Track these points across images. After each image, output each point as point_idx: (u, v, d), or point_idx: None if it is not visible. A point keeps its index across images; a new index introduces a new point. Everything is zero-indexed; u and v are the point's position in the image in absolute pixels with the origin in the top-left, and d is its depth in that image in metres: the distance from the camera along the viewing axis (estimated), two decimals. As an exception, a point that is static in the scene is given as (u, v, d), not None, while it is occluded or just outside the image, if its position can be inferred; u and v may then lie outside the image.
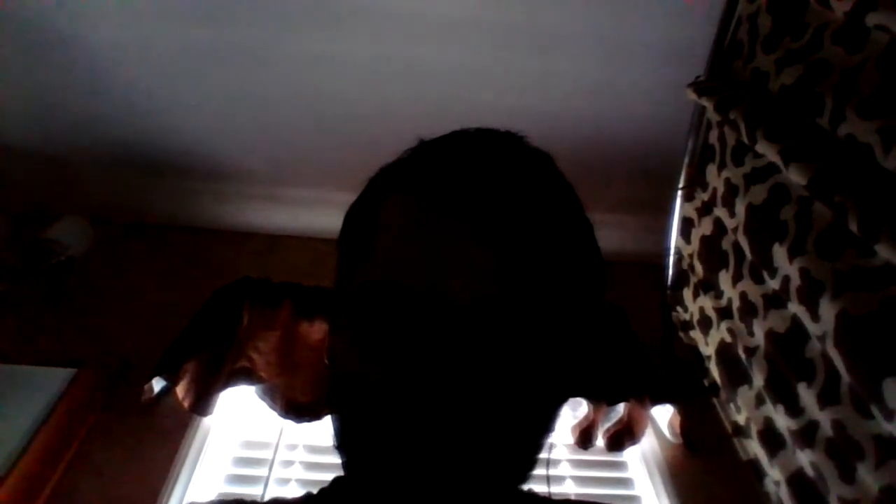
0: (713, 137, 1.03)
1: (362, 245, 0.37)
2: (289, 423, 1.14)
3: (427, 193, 0.34)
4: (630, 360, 1.24)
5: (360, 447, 0.35)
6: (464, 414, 0.31)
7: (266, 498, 1.03)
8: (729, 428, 1.02)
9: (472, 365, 0.31)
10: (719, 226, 0.99)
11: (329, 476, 0.45)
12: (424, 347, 0.31)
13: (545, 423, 0.37)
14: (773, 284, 0.80)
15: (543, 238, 0.34)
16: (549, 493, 0.42)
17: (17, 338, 1.20)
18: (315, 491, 0.45)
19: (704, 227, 1.05)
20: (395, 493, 0.33)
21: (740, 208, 0.89)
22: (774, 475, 0.86)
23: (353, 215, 0.42)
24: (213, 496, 1.04)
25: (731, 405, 0.99)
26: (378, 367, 0.33)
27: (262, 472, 1.10)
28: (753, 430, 0.91)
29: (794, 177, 0.72)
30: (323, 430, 1.16)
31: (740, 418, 0.97)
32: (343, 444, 0.37)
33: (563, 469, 1.18)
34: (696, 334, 1.12)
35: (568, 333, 0.35)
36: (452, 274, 0.32)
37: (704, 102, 0.97)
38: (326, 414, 1.12)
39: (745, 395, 0.93)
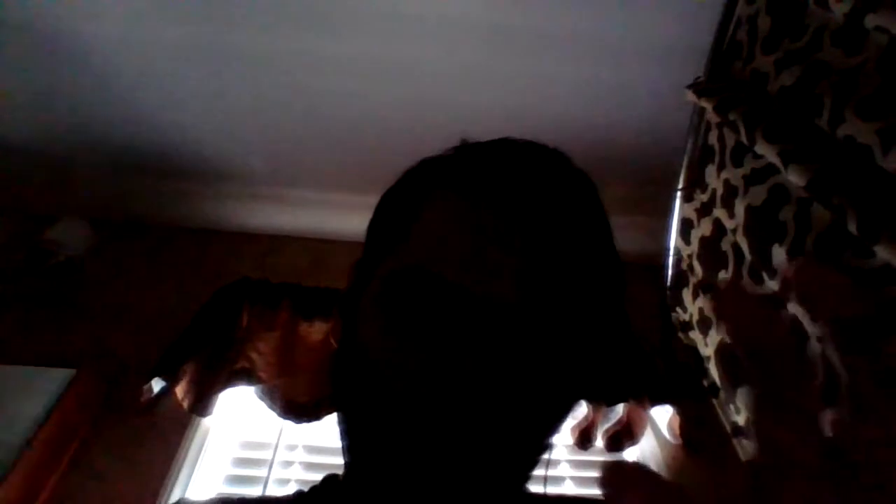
0: (712, 138, 1.03)
1: (398, 232, 0.37)
2: (288, 424, 1.14)
3: (481, 194, 0.35)
4: (630, 360, 1.24)
5: (366, 438, 0.35)
6: (485, 414, 0.32)
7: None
8: (728, 428, 1.02)
9: (506, 368, 0.32)
10: (719, 227, 0.99)
11: (329, 477, 0.45)
12: (467, 344, 0.31)
13: (555, 427, 0.37)
14: (773, 285, 0.81)
15: (585, 255, 0.35)
16: (545, 493, 0.42)
17: (16, 338, 1.20)
18: (306, 489, 0.45)
19: (704, 228, 1.05)
20: (395, 490, 0.33)
21: (740, 209, 0.89)
22: (774, 476, 0.86)
23: (390, 201, 0.41)
24: (212, 497, 1.05)
25: (731, 406, 0.99)
26: (413, 357, 0.33)
27: (261, 472, 1.10)
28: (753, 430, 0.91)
29: (794, 178, 0.72)
30: (323, 430, 1.16)
31: (740, 419, 0.97)
32: (349, 427, 0.36)
33: (563, 470, 1.18)
34: (695, 335, 1.12)
35: (592, 345, 0.36)
36: (500, 276, 0.32)
37: (704, 103, 0.97)
38: (326, 414, 1.12)
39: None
